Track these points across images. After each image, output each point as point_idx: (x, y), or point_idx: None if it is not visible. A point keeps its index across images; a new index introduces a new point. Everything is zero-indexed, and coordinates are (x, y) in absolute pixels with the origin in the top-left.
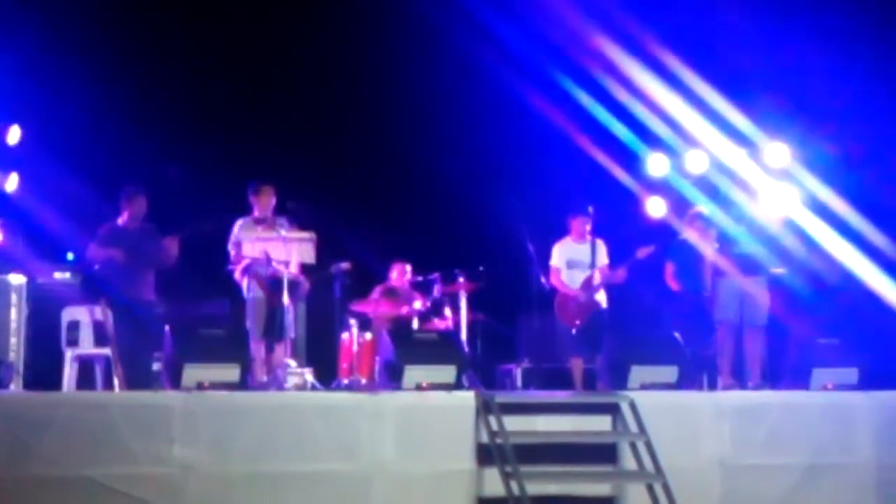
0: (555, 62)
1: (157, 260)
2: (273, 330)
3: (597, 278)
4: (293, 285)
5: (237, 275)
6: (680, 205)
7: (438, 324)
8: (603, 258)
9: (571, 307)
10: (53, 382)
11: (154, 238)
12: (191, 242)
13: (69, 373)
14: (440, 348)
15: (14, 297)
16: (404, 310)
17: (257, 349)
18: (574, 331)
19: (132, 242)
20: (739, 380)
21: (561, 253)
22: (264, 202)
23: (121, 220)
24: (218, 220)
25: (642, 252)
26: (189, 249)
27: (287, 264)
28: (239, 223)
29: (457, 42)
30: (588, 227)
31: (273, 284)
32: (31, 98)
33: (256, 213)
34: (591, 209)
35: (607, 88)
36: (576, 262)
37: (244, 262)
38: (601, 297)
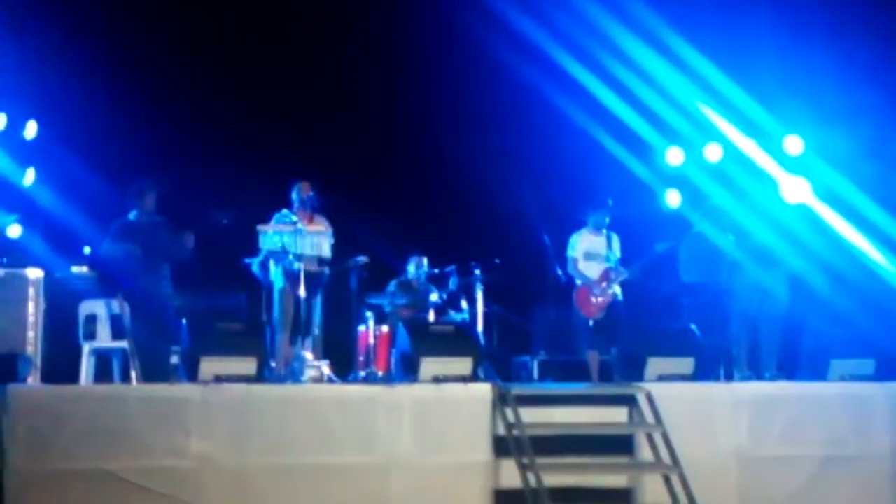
0: (570, 54)
1: (172, 253)
2: (299, 323)
3: (614, 272)
4: (313, 278)
5: (256, 268)
6: (695, 197)
7: (455, 316)
8: (616, 252)
9: (589, 299)
10: (71, 376)
11: (167, 231)
12: (207, 235)
13: (86, 366)
14: (456, 340)
15: (31, 292)
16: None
17: (284, 342)
18: (591, 322)
19: (146, 237)
20: (755, 371)
21: (579, 244)
22: (304, 195)
23: (132, 215)
24: (234, 213)
25: (661, 247)
26: (205, 242)
27: (305, 257)
28: (276, 216)
29: (473, 34)
30: (606, 220)
31: (296, 278)
32: (47, 93)
33: (296, 207)
34: (610, 202)
35: (623, 80)
36: (593, 254)
37: (261, 256)
38: (616, 290)
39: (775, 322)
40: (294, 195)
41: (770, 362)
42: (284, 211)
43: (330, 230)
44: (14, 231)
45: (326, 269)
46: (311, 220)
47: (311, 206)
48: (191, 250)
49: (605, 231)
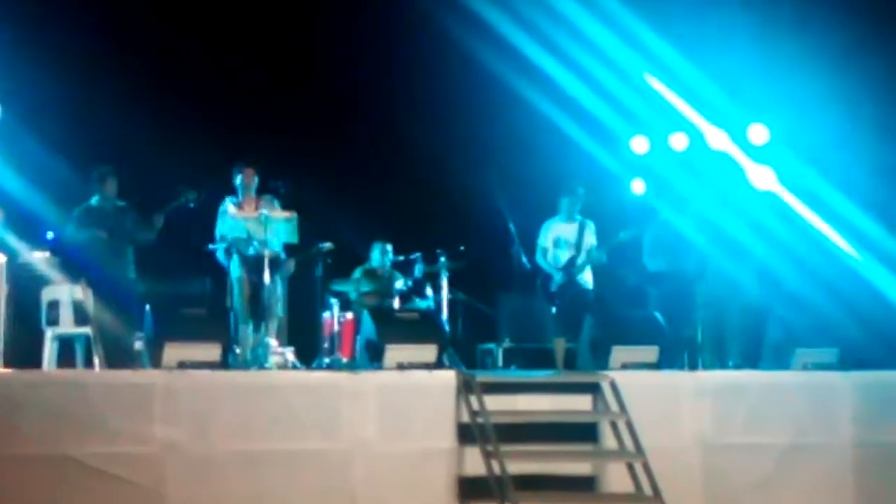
0: (536, 41)
1: (136, 237)
2: (258, 309)
3: (580, 260)
4: (276, 264)
5: (220, 254)
6: (661, 185)
7: (419, 303)
8: (590, 239)
9: (552, 287)
10: (33, 361)
11: (131, 215)
12: (172, 221)
13: (49, 352)
14: (421, 327)
15: None
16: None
17: (244, 330)
18: (554, 310)
19: (110, 221)
20: (720, 359)
21: (549, 232)
22: (246, 182)
23: (94, 201)
24: (198, 197)
25: (625, 234)
26: (170, 228)
27: (268, 243)
28: (225, 202)
29: (439, 22)
30: (577, 208)
31: (256, 264)
32: (10, 77)
33: (241, 193)
34: (581, 190)
35: (588, 68)
36: (563, 241)
37: (224, 242)
38: (587, 278)
39: (740, 311)
40: (237, 181)
41: (734, 351)
42: (231, 198)
43: (294, 216)
44: None
45: (287, 255)
46: (256, 207)
47: (254, 192)
48: (158, 231)
49: (577, 218)
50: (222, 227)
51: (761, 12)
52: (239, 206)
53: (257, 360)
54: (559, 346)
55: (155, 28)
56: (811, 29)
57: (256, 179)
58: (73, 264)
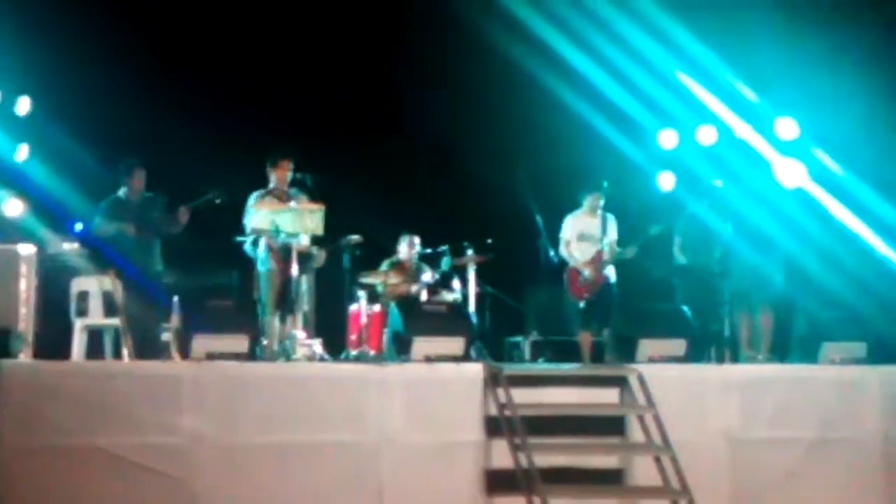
0: (564, 36)
1: (163, 230)
2: (286, 301)
3: (606, 254)
4: (304, 256)
5: (248, 246)
6: (689, 179)
7: (447, 296)
8: (613, 233)
9: (579, 280)
10: (63, 352)
11: (158, 207)
12: (200, 213)
13: (78, 343)
14: (448, 320)
15: (24, 268)
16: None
17: (272, 322)
18: (582, 304)
19: (138, 214)
20: (746, 353)
21: (573, 226)
22: (281, 175)
23: (122, 193)
24: (225, 190)
25: (655, 229)
26: (198, 220)
27: (296, 235)
28: (254, 195)
29: (466, 16)
30: (601, 202)
31: (284, 256)
32: (41, 69)
33: (272, 185)
34: (605, 184)
35: (616, 62)
36: (587, 235)
37: (253, 234)
38: (610, 272)
39: (767, 305)
40: (271, 173)
41: (761, 345)
42: (261, 192)
43: (322, 208)
44: (14, 207)
45: (316, 248)
46: (284, 199)
47: (287, 185)
48: (184, 225)
49: (600, 212)
50: (250, 219)
51: (790, 7)
52: (267, 198)
53: (285, 352)
54: (585, 339)
55: (184, 21)
56: (839, 22)
57: (290, 173)
58: (101, 255)
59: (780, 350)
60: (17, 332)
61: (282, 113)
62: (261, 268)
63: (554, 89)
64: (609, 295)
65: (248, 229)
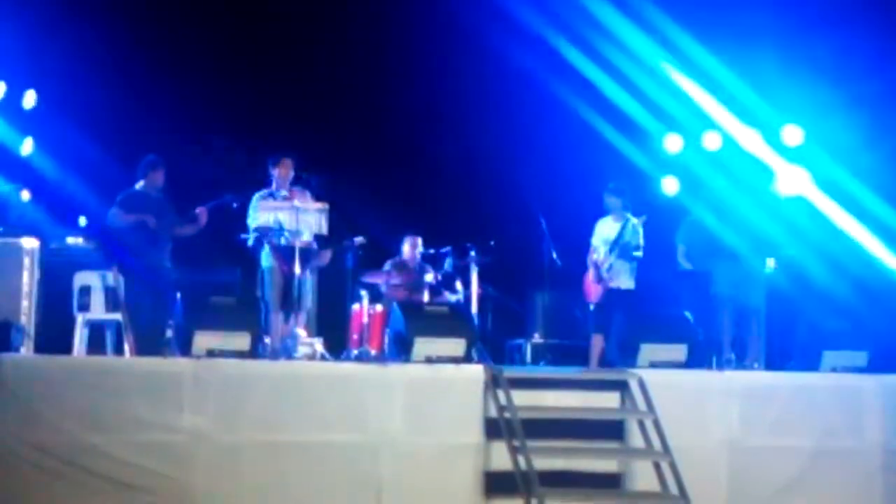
0: (568, 40)
1: (176, 229)
2: (288, 300)
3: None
4: (307, 255)
5: (252, 244)
6: (693, 184)
7: (449, 297)
8: (630, 238)
9: (589, 283)
10: (64, 347)
11: (172, 209)
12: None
13: (80, 337)
14: (450, 321)
15: (26, 261)
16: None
17: (276, 320)
18: (592, 307)
19: (154, 208)
20: (740, 360)
21: (598, 231)
22: (283, 173)
23: (139, 187)
24: (239, 192)
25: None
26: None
27: (300, 234)
28: (257, 194)
29: (471, 19)
30: (617, 204)
31: (288, 254)
32: (46, 62)
33: (274, 185)
34: (611, 185)
35: (621, 67)
36: (606, 239)
37: (257, 233)
38: (623, 279)
39: (756, 311)
40: (273, 172)
41: (754, 353)
42: (264, 192)
43: (326, 207)
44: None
45: (317, 246)
46: (288, 198)
47: (290, 184)
48: (200, 228)
49: (623, 216)
50: (254, 218)
51: (795, 14)
52: (271, 196)
53: (286, 351)
54: (597, 342)
55: (194, 15)
56: (844, 28)
57: (292, 172)
58: (106, 250)
59: (781, 358)
60: (18, 326)
61: (285, 114)
62: (264, 266)
63: (559, 94)
64: (616, 300)
65: (251, 227)
